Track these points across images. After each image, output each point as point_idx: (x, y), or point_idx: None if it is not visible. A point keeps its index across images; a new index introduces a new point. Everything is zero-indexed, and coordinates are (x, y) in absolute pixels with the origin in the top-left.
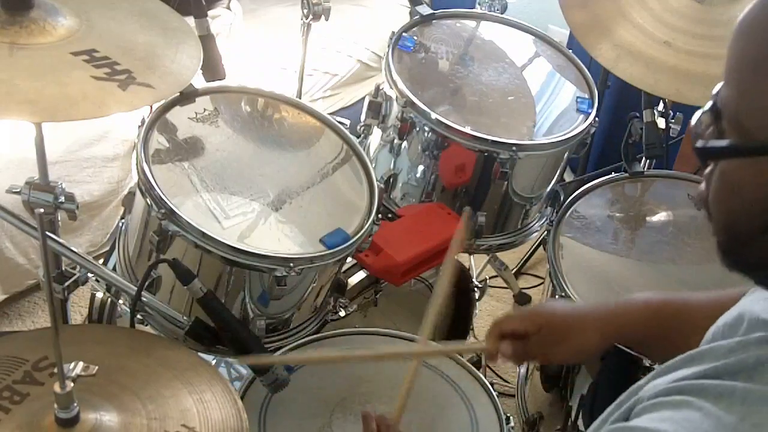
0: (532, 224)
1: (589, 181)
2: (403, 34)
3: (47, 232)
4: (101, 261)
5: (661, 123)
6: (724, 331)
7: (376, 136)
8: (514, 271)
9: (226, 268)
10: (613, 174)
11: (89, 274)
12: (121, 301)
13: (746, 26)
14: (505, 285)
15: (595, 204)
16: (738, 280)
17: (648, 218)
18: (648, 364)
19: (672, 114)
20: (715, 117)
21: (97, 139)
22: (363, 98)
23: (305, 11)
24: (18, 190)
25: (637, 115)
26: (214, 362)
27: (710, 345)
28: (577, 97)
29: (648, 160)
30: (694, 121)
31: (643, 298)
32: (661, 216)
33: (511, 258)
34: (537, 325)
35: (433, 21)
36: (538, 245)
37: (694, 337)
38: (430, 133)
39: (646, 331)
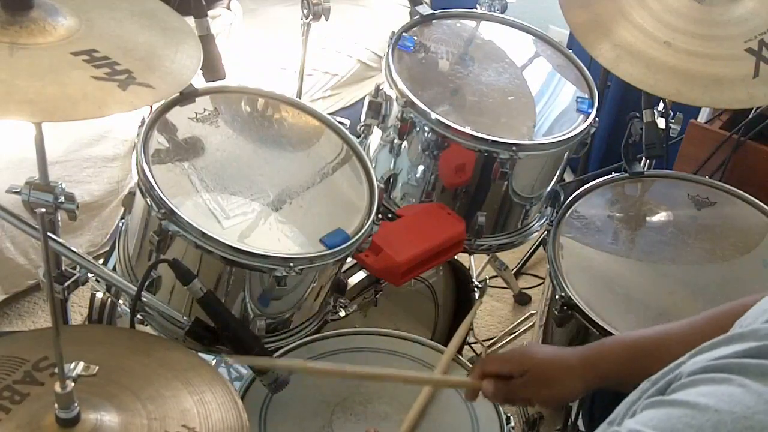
0: (532, 224)
1: (589, 181)
2: (403, 34)
3: (47, 232)
4: (101, 261)
5: (661, 123)
6: (766, 316)
7: (376, 136)
8: (514, 271)
9: (226, 268)
10: (613, 174)
11: (89, 274)
12: (121, 301)
13: None
14: (505, 285)
15: (595, 204)
16: (737, 279)
17: (648, 218)
18: None
19: (672, 114)
20: None
21: (97, 139)
22: (363, 98)
23: (305, 11)
24: (18, 190)
25: (637, 115)
26: (214, 362)
27: (752, 327)
28: (577, 97)
29: (648, 160)
30: None
31: (615, 339)
32: (661, 216)
33: (511, 258)
34: (521, 370)
35: (433, 21)
36: (538, 245)
37: (669, 362)
38: (430, 133)
39: (627, 371)
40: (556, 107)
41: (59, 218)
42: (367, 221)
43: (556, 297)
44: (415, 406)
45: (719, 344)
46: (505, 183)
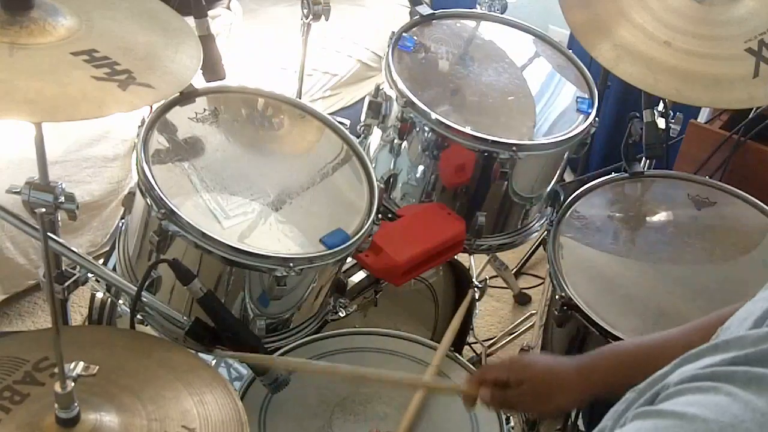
0: (532, 224)
1: (589, 181)
2: (403, 34)
3: (47, 232)
4: (101, 261)
5: (661, 123)
6: (748, 323)
7: (376, 136)
8: (514, 271)
9: (226, 268)
10: (613, 174)
11: (89, 274)
12: (121, 301)
13: None
14: (505, 285)
15: (595, 204)
16: (737, 279)
17: (648, 218)
18: None
19: (672, 114)
20: None
21: (97, 139)
22: (363, 98)
23: (305, 11)
24: (18, 190)
25: (637, 115)
26: (214, 363)
27: (737, 334)
28: (577, 97)
29: (648, 160)
30: None
31: (612, 349)
32: (661, 216)
33: (511, 258)
34: (519, 379)
35: (433, 21)
36: (538, 245)
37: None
38: (430, 133)
39: (624, 380)
40: (556, 107)
41: (59, 218)
42: (367, 221)
43: (556, 297)
44: (412, 405)
45: (705, 353)
46: (505, 183)
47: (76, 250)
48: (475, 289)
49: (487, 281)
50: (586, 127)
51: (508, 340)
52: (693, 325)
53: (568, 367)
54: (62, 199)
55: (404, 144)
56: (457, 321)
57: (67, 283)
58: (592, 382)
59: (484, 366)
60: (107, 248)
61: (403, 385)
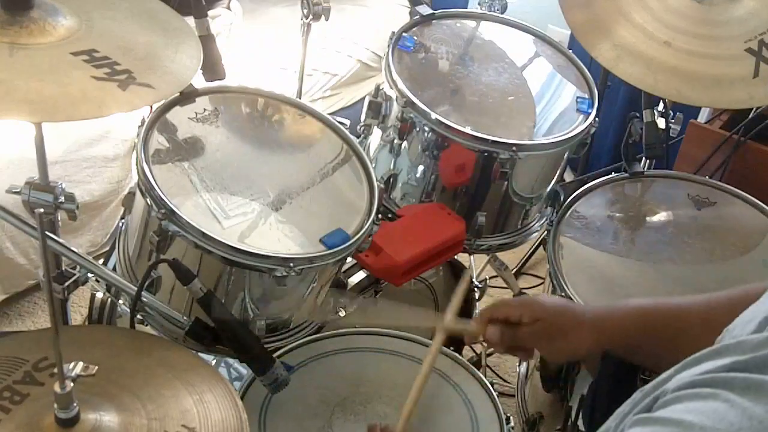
0: (532, 224)
1: (589, 181)
2: (403, 34)
3: (47, 232)
4: (101, 261)
5: (661, 123)
6: (752, 326)
7: (376, 136)
8: (514, 271)
9: (226, 268)
10: (613, 174)
11: (89, 274)
12: (121, 301)
13: None
14: (505, 285)
15: (595, 204)
16: (737, 279)
17: (648, 218)
18: None
19: (672, 114)
20: None
21: (97, 139)
22: (363, 98)
23: (305, 11)
24: (18, 190)
25: (637, 115)
26: (214, 362)
27: (739, 339)
28: (577, 97)
29: (648, 160)
30: None
31: (636, 303)
32: (661, 216)
33: (511, 258)
34: (533, 317)
35: (433, 21)
36: (538, 245)
37: (683, 336)
38: (430, 133)
39: (639, 336)
40: (556, 107)
41: (59, 218)
42: (367, 221)
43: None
44: (410, 397)
45: (705, 358)
46: (505, 183)
47: (76, 250)
48: (475, 288)
49: (487, 281)
50: (586, 127)
51: None
52: (717, 299)
53: (582, 310)
54: (62, 199)
55: (404, 144)
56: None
57: (67, 283)
58: (605, 330)
59: (496, 303)
60: (107, 248)
61: (420, 321)
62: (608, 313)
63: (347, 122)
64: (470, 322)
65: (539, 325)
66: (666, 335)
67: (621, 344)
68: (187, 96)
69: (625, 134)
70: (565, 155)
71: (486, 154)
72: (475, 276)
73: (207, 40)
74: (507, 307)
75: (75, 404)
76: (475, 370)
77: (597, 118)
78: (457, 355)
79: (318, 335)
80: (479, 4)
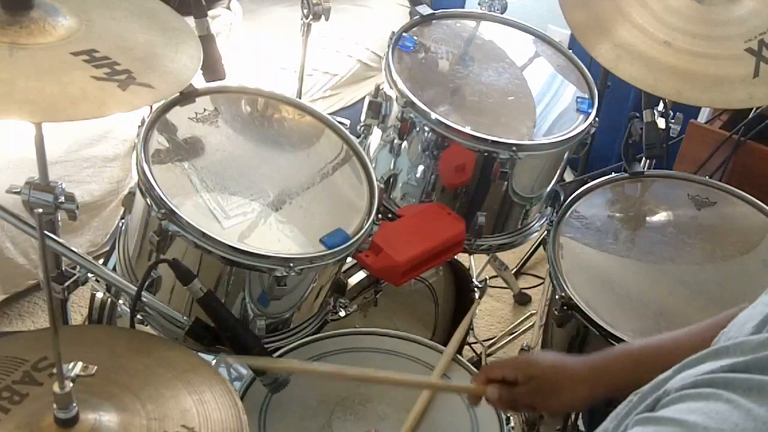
0: (532, 224)
1: (589, 181)
2: (403, 34)
3: (47, 232)
4: (101, 261)
5: (661, 123)
6: (749, 328)
7: (376, 136)
8: (514, 271)
9: (226, 268)
10: (613, 174)
11: (89, 274)
12: (121, 301)
13: None
14: (505, 285)
15: (595, 204)
16: (737, 279)
17: (648, 218)
18: None
19: (672, 114)
20: None
21: (97, 139)
22: (363, 98)
23: (305, 11)
24: (18, 190)
25: (637, 115)
26: (214, 362)
27: (738, 339)
28: (577, 97)
29: (648, 160)
30: None
31: (622, 349)
32: (661, 216)
33: (511, 258)
34: (528, 376)
35: (433, 21)
36: (538, 245)
37: None
38: (430, 133)
39: (632, 380)
40: (556, 107)
41: (59, 218)
42: (367, 221)
43: (556, 297)
44: (416, 407)
45: (706, 358)
46: (505, 183)
47: (75, 250)
48: (475, 288)
49: (487, 281)
50: (586, 127)
51: (508, 340)
52: (701, 327)
53: (577, 364)
54: (62, 199)
55: (404, 144)
56: (463, 329)
57: (67, 283)
58: (604, 381)
59: (489, 364)
60: (107, 248)
61: (409, 385)
62: (605, 363)
63: (347, 122)
64: (470, 381)
65: (534, 384)
66: (658, 373)
67: (616, 391)
68: (187, 96)
69: (622, 135)
70: (565, 155)
71: (486, 154)
72: (475, 276)
73: (207, 40)
74: (502, 368)
75: (74, 404)
76: (475, 370)
77: (597, 118)
78: (457, 355)
79: (318, 335)
80: (479, 4)
